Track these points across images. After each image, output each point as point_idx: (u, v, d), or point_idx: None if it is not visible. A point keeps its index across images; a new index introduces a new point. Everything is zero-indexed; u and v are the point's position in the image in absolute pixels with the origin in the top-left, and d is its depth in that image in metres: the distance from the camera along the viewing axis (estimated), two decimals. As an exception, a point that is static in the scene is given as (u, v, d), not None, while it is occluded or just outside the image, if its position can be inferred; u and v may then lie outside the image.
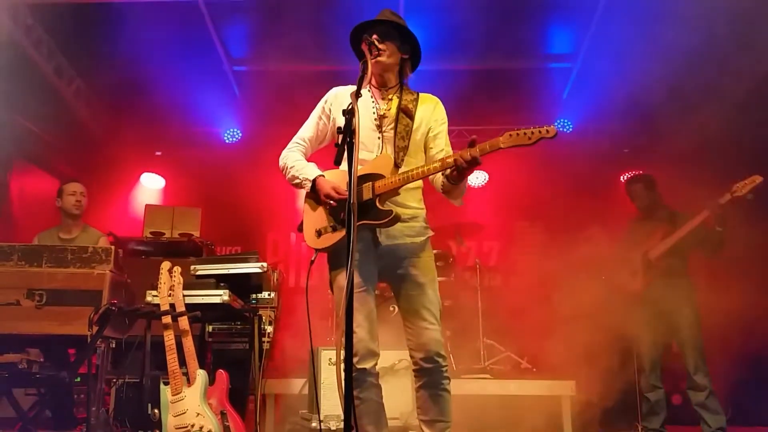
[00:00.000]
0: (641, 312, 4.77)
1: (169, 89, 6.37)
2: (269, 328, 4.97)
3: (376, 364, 2.90)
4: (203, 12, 5.83)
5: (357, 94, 2.53)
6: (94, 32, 5.71)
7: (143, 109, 6.68)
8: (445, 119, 3.13)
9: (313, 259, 2.98)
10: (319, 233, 2.93)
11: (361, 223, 2.76)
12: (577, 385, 4.90)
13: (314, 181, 2.94)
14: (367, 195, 2.80)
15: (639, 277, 4.82)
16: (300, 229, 3.04)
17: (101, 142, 7.14)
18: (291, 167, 3.06)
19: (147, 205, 6.53)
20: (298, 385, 5.01)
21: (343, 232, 2.81)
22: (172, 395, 3.54)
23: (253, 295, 4.76)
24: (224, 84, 6.82)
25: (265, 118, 7.25)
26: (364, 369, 2.84)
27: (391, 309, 5.38)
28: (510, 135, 2.64)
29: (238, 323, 5.15)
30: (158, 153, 7.68)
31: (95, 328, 3.60)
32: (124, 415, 4.38)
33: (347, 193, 2.69)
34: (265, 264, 4.40)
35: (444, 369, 2.92)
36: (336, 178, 2.95)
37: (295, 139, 3.17)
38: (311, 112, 3.23)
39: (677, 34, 5.67)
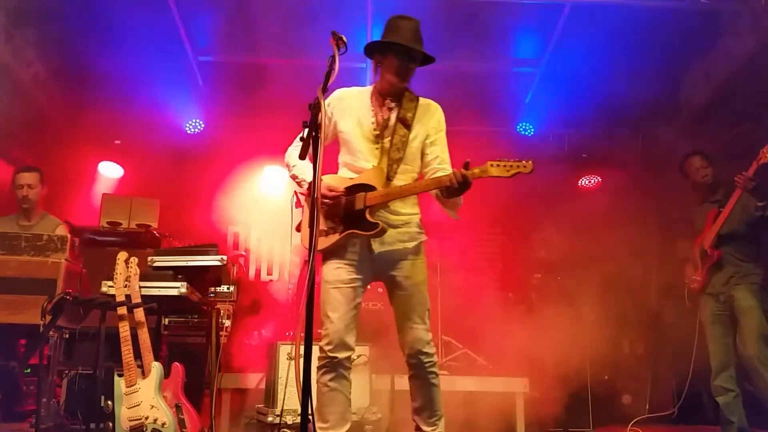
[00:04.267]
0: (704, 308, 4.49)
1: (131, 77, 6.24)
2: (227, 322, 4.94)
3: (349, 357, 3.00)
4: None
5: (324, 90, 2.55)
6: (54, 16, 5.56)
7: (104, 97, 6.52)
8: (443, 126, 3.22)
9: (307, 259, 3.02)
10: None
11: (350, 232, 2.97)
12: (530, 382, 5.00)
13: (310, 183, 2.99)
14: (359, 205, 2.95)
15: (699, 270, 4.49)
16: (298, 229, 3.17)
17: (59, 129, 6.96)
18: (293, 166, 3.14)
19: (104, 195, 6.39)
20: (254, 379, 4.99)
21: (336, 236, 3.00)
22: (126, 387, 3.49)
23: (212, 289, 4.72)
24: (188, 74, 6.71)
25: (229, 110, 7.17)
26: (336, 358, 2.95)
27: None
28: (492, 165, 2.83)
29: (195, 316, 5.09)
30: (117, 142, 7.52)
31: (48, 318, 3.53)
32: (76, 407, 4.29)
33: (341, 192, 2.97)
34: (224, 257, 4.36)
35: (428, 365, 3.08)
36: (335, 182, 3.07)
37: (297, 138, 3.17)
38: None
39: (637, 46, 5.86)
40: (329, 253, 3.06)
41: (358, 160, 3.08)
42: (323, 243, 3.02)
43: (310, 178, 2.98)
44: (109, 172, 7.45)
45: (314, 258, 2.29)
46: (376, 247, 3.03)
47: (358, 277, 3.04)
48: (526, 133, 7.36)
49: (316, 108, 2.45)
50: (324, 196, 2.97)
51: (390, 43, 3.06)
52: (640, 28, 5.68)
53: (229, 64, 6.80)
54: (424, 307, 3.10)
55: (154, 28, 5.91)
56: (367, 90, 3.23)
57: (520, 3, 5.90)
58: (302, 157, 2.52)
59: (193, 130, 7.36)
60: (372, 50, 3.16)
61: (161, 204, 6.26)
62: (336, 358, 2.94)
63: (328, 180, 3.07)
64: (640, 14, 5.62)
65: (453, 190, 2.87)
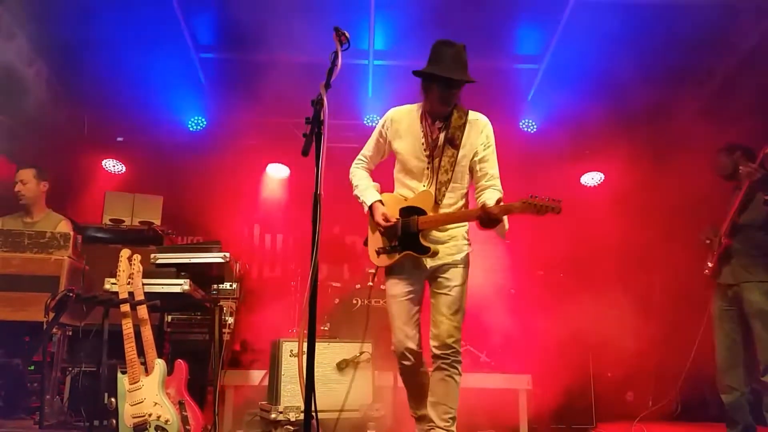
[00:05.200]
0: (714, 302, 4.35)
1: (133, 74, 6.23)
2: (230, 319, 4.94)
3: (415, 361, 3.33)
4: (171, -4, 5.73)
5: (327, 86, 2.55)
6: (57, 13, 5.56)
7: (106, 94, 6.53)
8: (491, 141, 3.36)
9: (374, 272, 3.62)
10: (378, 253, 3.38)
11: (406, 253, 3.24)
12: (533, 379, 4.99)
13: (371, 206, 3.36)
14: (413, 228, 3.23)
15: (714, 256, 4.32)
16: (365, 243, 3.49)
17: (62, 126, 6.97)
18: (356, 185, 3.49)
19: (107, 192, 6.40)
20: (257, 376, 4.99)
21: (395, 258, 3.29)
22: (130, 384, 3.49)
23: (215, 286, 4.72)
24: (190, 71, 6.71)
25: (231, 107, 7.16)
26: (405, 365, 3.33)
27: (354, 302, 5.39)
28: (523, 203, 2.93)
29: (198, 314, 5.10)
30: (120, 139, 7.53)
31: (51, 315, 3.53)
32: (79, 404, 4.29)
33: (393, 222, 3.26)
34: (227, 254, 4.36)
35: (453, 359, 3.24)
36: (391, 202, 3.37)
37: (359, 155, 3.57)
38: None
39: (640, 41, 5.84)
40: (389, 269, 3.39)
41: (410, 179, 3.35)
42: (386, 261, 3.35)
43: (369, 201, 3.34)
44: (112, 169, 7.46)
45: (316, 257, 2.28)
46: (428, 262, 3.29)
47: (413, 289, 3.33)
48: (529, 129, 7.34)
49: (318, 104, 2.44)
50: (378, 224, 3.29)
51: (432, 75, 3.23)
52: (643, 22, 5.66)
53: (230, 61, 6.80)
54: (458, 306, 3.28)
55: (156, 25, 5.91)
56: (417, 108, 3.39)
57: (523, -1, 5.90)
58: (305, 153, 2.51)
59: (195, 127, 7.35)
60: (418, 76, 3.31)
61: (164, 201, 6.27)
62: (405, 365, 3.32)
63: (386, 201, 3.37)
64: (643, 9, 5.61)
65: (484, 223, 3.05)
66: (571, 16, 5.86)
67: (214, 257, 4.31)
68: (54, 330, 3.68)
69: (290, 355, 4.43)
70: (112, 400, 3.56)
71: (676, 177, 5.88)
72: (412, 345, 3.31)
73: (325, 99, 2.45)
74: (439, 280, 3.33)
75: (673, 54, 5.97)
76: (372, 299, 5.29)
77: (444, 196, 3.28)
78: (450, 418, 3.22)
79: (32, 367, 4.18)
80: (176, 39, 6.21)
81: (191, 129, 7.37)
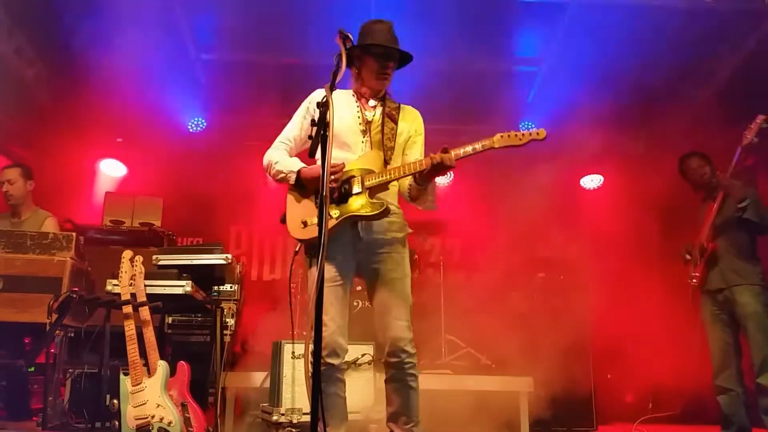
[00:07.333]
0: (704, 307, 4.41)
1: (133, 74, 6.23)
2: (231, 321, 4.93)
3: (343, 359, 2.95)
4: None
5: (331, 88, 2.55)
6: (56, 13, 5.56)
7: (105, 94, 6.52)
8: (422, 131, 3.21)
9: (296, 250, 3.00)
10: (305, 224, 2.94)
11: (350, 215, 2.85)
12: (534, 381, 4.99)
13: (299, 171, 2.97)
14: (356, 189, 2.88)
15: (698, 266, 4.40)
16: (283, 220, 3.04)
17: (61, 126, 6.96)
18: (275, 163, 3.06)
19: (107, 193, 6.40)
20: (259, 378, 4.98)
21: (333, 221, 2.86)
22: (132, 386, 3.48)
23: (216, 287, 4.71)
24: (190, 72, 6.71)
25: (231, 109, 7.17)
26: (332, 365, 2.89)
27: (355, 303, 5.39)
28: (501, 136, 2.74)
29: (199, 315, 5.09)
30: (119, 139, 7.52)
31: (54, 316, 3.52)
32: (81, 406, 4.29)
33: (341, 165, 2.88)
34: (229, 255, 4.36)
35: (408, 366, 2.95)
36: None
37: (279, 138, 3.17)
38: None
39: (640, 44, 5.86)
40: (315, 247, 2.68)
41: (344, 152, 3.01)
42: (312, 232, 2.86)
43: (296, 168, 2.98)
44: (112, 170, 7.45)
45: (323, 258, 2.27)
46: (364, 235, 2.96)
47: (343, 272, 2.96)
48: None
49: (324, 106, 2.44)
50: (332, 172, 2.84)
51: (368, 46, 3.05)
52: (643, 25, 5.68)
53: (231, 62, 6.80)
54: (407, 303, 2.99)
55: (157, 26, 5.90)
56: (348, 91, 3.20)
57: (523, 1, 5.90)
58: (312, 155, 2.51)
59: (195, 128, 7.35)
60: (350, 58, 3.00)
61: (164, 202, 6.27)
62: (332, 364, 2.88)
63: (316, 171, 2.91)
64: (642, 12, 5.63)
65: (432, 172, 2.81)
66: (571, 18, 5.88)
67: (216, 259, 4.32)
68: (56, 331, 3.67)
69: (291, 357, 4.42)
70: (115, 401, 3.56)
71: (676, 178, 5.90)
72: (343, 342, 2.90)
73: (331, 101, 2.45)
74: (381, 272, 2.97)
75: (674, 55, 5.99)
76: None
77: (392, 159, 2.99)
78: (413, 426, 2.97)
79: (32, 369, 4.18)
80: (176, 39, 6.22)
81: (191, 130, 7.38)
